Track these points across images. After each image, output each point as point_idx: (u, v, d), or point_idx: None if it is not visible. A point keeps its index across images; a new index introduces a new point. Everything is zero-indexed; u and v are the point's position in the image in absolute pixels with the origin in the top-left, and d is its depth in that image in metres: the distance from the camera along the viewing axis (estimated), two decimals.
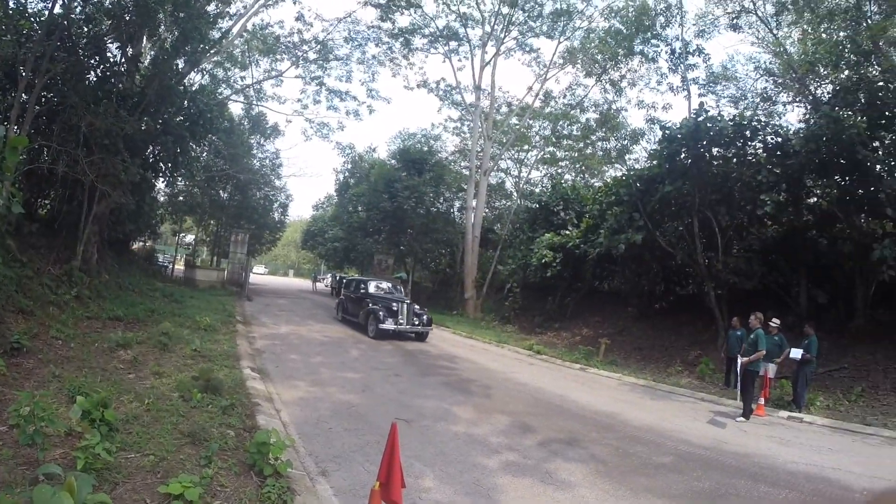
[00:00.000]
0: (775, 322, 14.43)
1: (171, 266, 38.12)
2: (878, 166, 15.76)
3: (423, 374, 14.06)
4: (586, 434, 9.58)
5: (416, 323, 20.63)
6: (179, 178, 30.67)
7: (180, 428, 6.80)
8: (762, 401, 13.11)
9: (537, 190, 41.29)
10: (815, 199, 18.33)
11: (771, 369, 13.88)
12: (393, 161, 41.73)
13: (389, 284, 24.94)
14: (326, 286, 53.23)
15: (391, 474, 4.45)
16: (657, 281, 23.77)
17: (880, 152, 15.91)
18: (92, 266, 17.09)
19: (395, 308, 20.34)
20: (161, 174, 23.70)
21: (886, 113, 15.77)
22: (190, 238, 48.40)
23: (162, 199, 34.39)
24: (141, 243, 36.39)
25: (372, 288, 23.20)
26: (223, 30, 25.03)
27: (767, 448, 9.72)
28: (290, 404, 9.54)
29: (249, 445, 6.06)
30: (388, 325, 19.54)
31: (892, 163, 15.98)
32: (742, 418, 12.04)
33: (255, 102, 37.29)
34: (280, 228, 48.64)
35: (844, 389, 14.57)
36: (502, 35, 34.29)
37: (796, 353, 13.58)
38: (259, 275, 71.37)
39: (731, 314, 18.45)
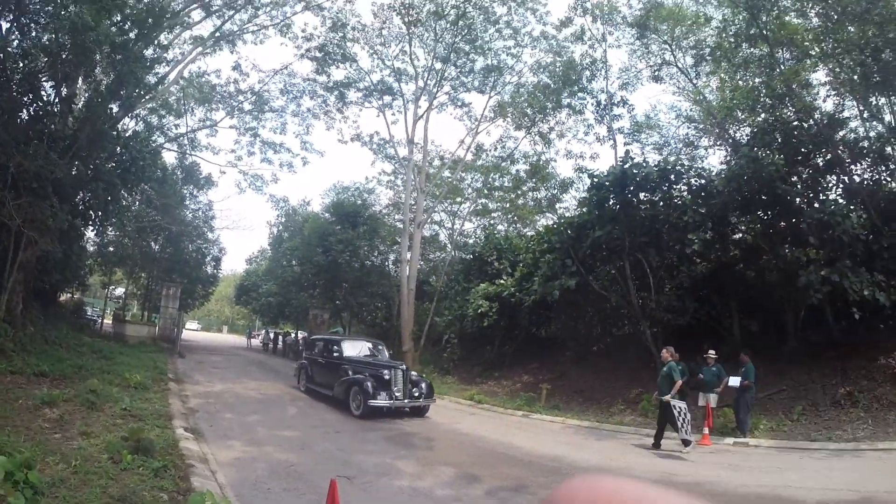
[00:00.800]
0: (712, 353, 15.01)
1: (100, 320, 36.79)
2: (798, 199, 16.83)
3: (363, 429, 13.72)
4: (533, 479, 9.52)
5: (416, 394, 16.40)
6: (110, 228, 29.41)
7: (109, 492, 6.35)
8: (706, 430, 13.36)
9: (471, 241, 41.48)
10: (741, 235, 19.33)
11: (712, 399, 14.32)
12: (327, 214, 41.33)
13: (369, 345, 20.00)
14: (260, 342, 52.16)
15: None
16: (593, 324, 24.27)
17: (798, 186, 16.97)
18: (16, 317, 16.16)
19: (386, 377, 15.85)
20: (91, 222, 22.61)
21: (802, 150, 17.02)
22: (120, 291, 46.90)
23: (91, 248, 33.02)
24: (69, 295, 35.09)
25: (348, 349, 18.57)
26: (160, 75, 24.55)
27: (717, 475, 9.93)
28: (226, 465, 9.09)
29: None
30: (381, 400, 15.22)
31: (811, 195, 17.12)
32: (687, 448, 12.17)
33: (189, 152, 36.42)
34: (213, 283, 47.27)
35: (786, 410, 15.12)
36: (435, 90, 34.65)
37: (735, 381, 13.94)
38: (192, 330, 69.27)
39: None
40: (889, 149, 17.22)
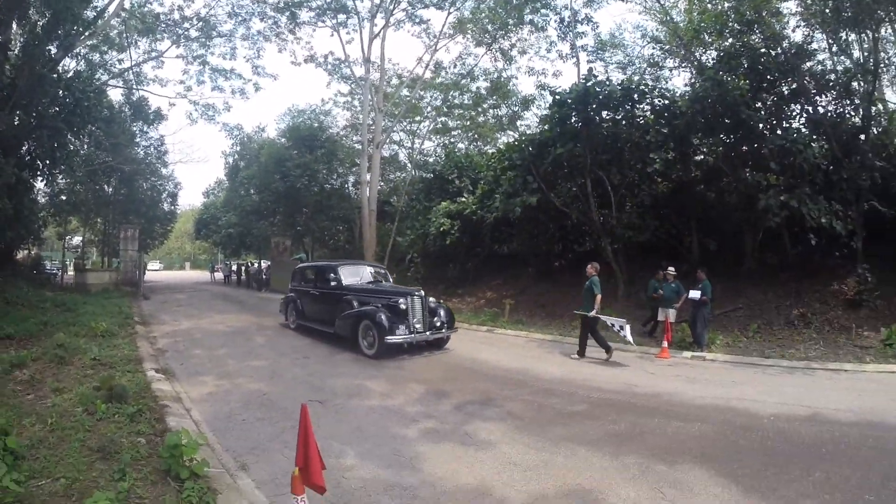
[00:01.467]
0: (671, 270, 15.57)
1: (60, 273, 36.42)
2: (761, 125, 16.92)
3: (331, 353, 13.96)
4: (500, 392, 9.90)
5: (437, 324, 14.30)
6: (59, 176, 28.71)
7: (88, 444, 6.49)
8: (665, 344, 14.00)
9: (431, 160, 41.35)
10: (702, 157, 19.69)
11: (671, 314, 14.84)
12: (283, 140, 40.74)
13: (370, 269, 17.70)
14: (222, 275, 52.08)
15: (308, 457, 4.42)
16: (554, 240, 24.63)
17: (762, 112, 17.07)
18: None
19: (402, 306, 13.68)
20: (39, 172, 21.70)
21: (768, 77, 17.11)
22: (77, 240, 46.13)
23: (43, 200, 31.83)
24: (25, 252, 34.63)
25: (348, 276, 16.22)
26: (98, 9, 23.49)
27: (675, 387, 10.35)
28: (200, 401, 9.28)
29: (162, 450, 5.91)
30: (400, 335, 13.15)
31: (774, 122, 17.39)
32: (576, 356, 13.52)
33: (135, 87, 35.20)
34: (171, 220, 46.48)
35: (741, 327, 15.88)
36: (391, 6, 33.68)
37: (695, 294, 14.50)
38: (154, 271, 68.76)
39: (629, 267, 20.19)
40: (855, 83, 17.38)
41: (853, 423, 7.85)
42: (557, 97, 19.71)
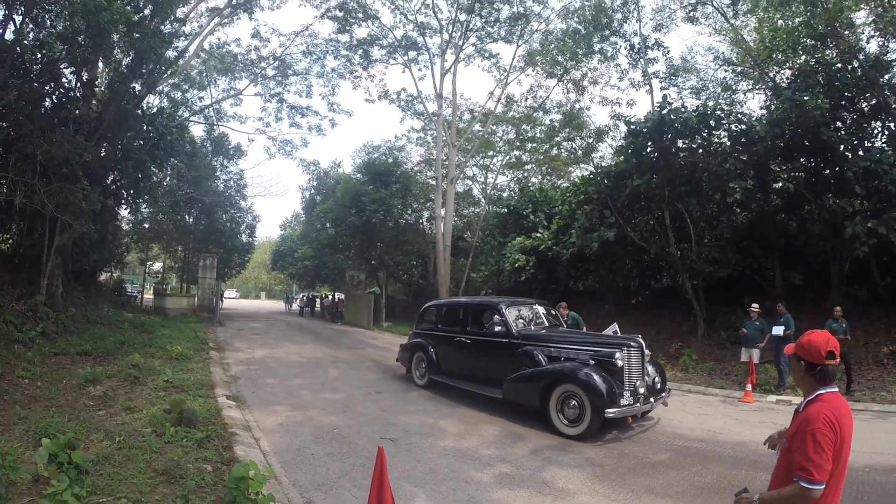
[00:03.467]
0: (755, 307, 14.65)
1: (140, 295, 37.42)
2: (842, 146, 16.14)
3: (405, 389, 13.63)
4: (579, 439, 9.29)
5: (658, 386, 10.75)
6: (143, 205, 29.94)
7: (154, 466, 6.39)
8: (749, 387, 13.14)
9: (505, 195, 41.19)
10: (782, 184, 18.81)
11: (755, 354, 14.00)
12: (358, 175, 41.19)
13: (542, 308, 13.14)
14: (298, 306, 52.76)
15: (382, 502, 4.08)
16: (632, 276, 24.03)
17: (842, 133, 16.23)
18: (57, 300, 16.54)
19: (618, 363, 9.60)
20: (123, 201, 22.95)
21: (846, 94, 16.30)
22: (158, 266, 47.53)
23: (126, 227, 33.52)
24: (108, 274, 35.68)
25: (515, 318, 12.01)
26: (179, 49, 24.53)
27: (762, 434, 9.43)
28: (270, 431, 9.12)
29: (228, 480, 5.67)
30: (624, 404, 9.32)
31: (855, 142, 16.43)
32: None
33: (215, 123, 36.73)
34: (249, 250, 47.90)
35: None
36: (461, 42, 34.13)
37: (778, 330, 13.79)
38: (231, 299, 70.59)
39: (709, 303, 19.06)
40: None
41: None
42: (632, 127, 19.15)
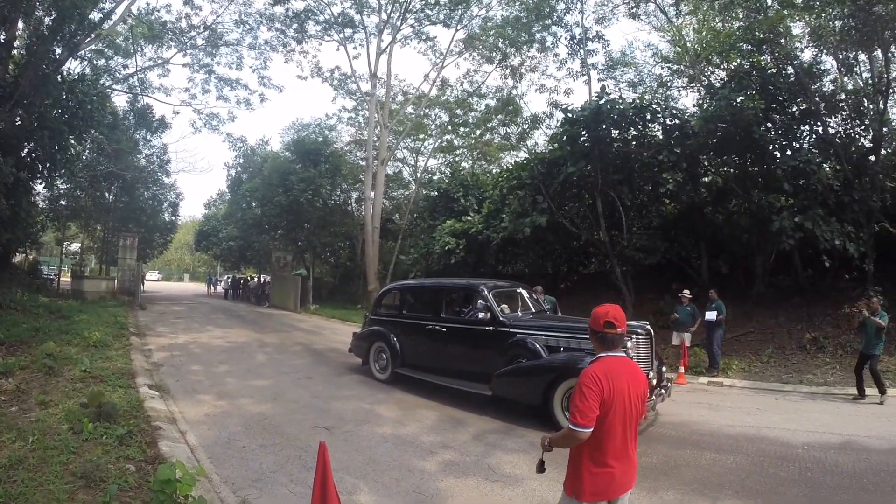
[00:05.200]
0: (686, 293, 15.19)
1: (57, 278, 35.80)
2: (772, 146, 17.03)
3: (336, 374, 13.24)
4: (518, 421, 9.16)
5: (664, 381, 9.60)
6: (59, 179, 28.15)
7: (72, 468, 5.80)
8: (682, 369, 13.48)
9: (436, 178, 41.00)
10: (711, 177, 19.87)
11: (686, 338, 14.46)
12: (287, 153, 40.20)
13: (524, 291, 12.15)
14: (223, 289, 51.21)
15: (326, 501, 3.81)
16: (561, 262, 24.42)
17: (772, 133, 16.98)
18: None
19: (629, 353, 8.01)
20: (38, 175, 21.23)
21: (779, 97, 17.07)
22: (76, 246, 45.56)
23: (42, 204, 31.41)
24: (22, 255, 34.01)
25: (500, 303, 10.83)
26: (105, 10, 23.17)
27: (700, 415, 9.90)
28: (197, 423, 8.56)
29: (153, 484, 5.18)
30: None
31: (784, 143, 17.33)
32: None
33: (140, 93, 34.92)
34: (171, 229, 45.88)
35: (753, 352, 15.57)
36: (398, 23, 33.61)
37: (711, 315, 14.25)
38: (153, 281, 68.28)
39: (637, 289, 19.68)
40: (866, 103, 17.26)
41: (889, 451, 7.63)
42: (569, 115, 19.26)
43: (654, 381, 8.94)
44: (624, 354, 3.69)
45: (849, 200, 15.97)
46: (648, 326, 9.24)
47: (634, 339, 8.87)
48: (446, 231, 25.82)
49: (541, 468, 3.90)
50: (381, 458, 7.23)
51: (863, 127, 17.51)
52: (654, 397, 8.64)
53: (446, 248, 25.16)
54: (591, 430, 3.39)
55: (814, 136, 17.81)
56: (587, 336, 8.78)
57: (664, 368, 10.19)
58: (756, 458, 7.31)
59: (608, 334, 3.58)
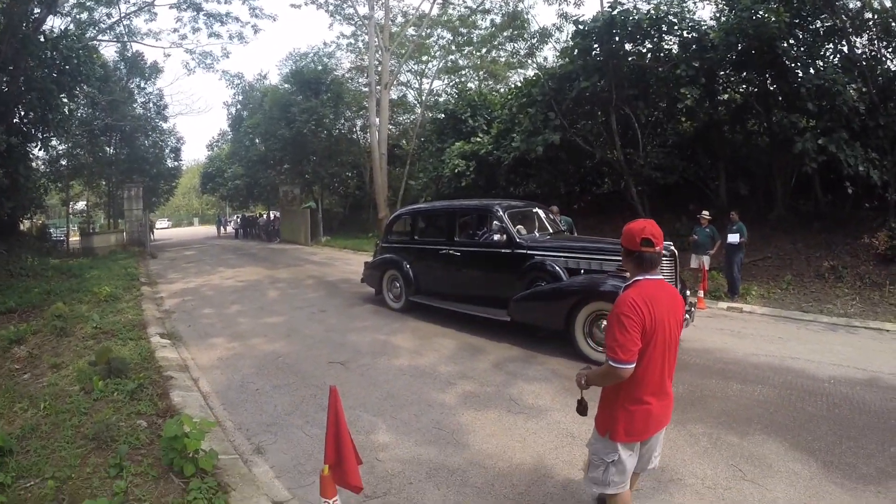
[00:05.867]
0: (706, 214, 14.46)
1: (66, 239, 35.72)
2: (795, 64, 15.97)
3: (350, 305, 13.06)
4: (539, 348, 8.93)
5: (688, 305, 8.68)
6: (55, 140, 27.77)
7: (83, 430, 5.65)
8: (701, 293, 13.01)
9: (442, 100, 39.70)
10: (728, 94, 18.85)
11: (706, 261, 13.91)
12: (286, 85, 39.30)
13: (541, 211, 11.54)
14: (233, 229, 51.20)
15: (341, 454, 3.52)
16: (573, 182, 23.67)
17: (794, 50, 15.97)
18: None
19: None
20: (32, 139, 21.00)
21: (801, 13, 15.86)
22: (81, 205, 45.37)
23: (42, 167, 31.13)
24: (31, 221, 33.91)
25: (516, 225, 10.30)
26: None
27: (723, 342, 9.53)
28: (209, 369, 8.39)
29: (161, 441, 5.01)
30: None
31: (808, 61, 16.08)
32: None
33: (128, 41, 34.00)
34: (176, 175, 45.21)
35: (771, 278, 15.10)
36: None
37: (733, 238, 13.66)
38: (163, 229, 68.40)
39: (654, 209, 19.03)
40: (893, 24, 16.07)
41: None
42: (580, 27, 18.24)
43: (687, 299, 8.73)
44: (661, 277, 3.36)
45: (874, 125, 15.08)
46: (673, 247, 8.63)
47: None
48: (456, 153, 25.21)
49: (583, 410, 3.65)
50: (399, 392, 7.07)
51: (890, 49, 16.48)
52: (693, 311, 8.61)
53: (456, 170, 24.62)
54: (634, 365, 3.10)
55: (838, 55, 16.64)
56: (610, 257, 8.68)
57: (687, 292, 10.05)
58: (783, 391, 7.07)
59: (646, 253, 3.25)
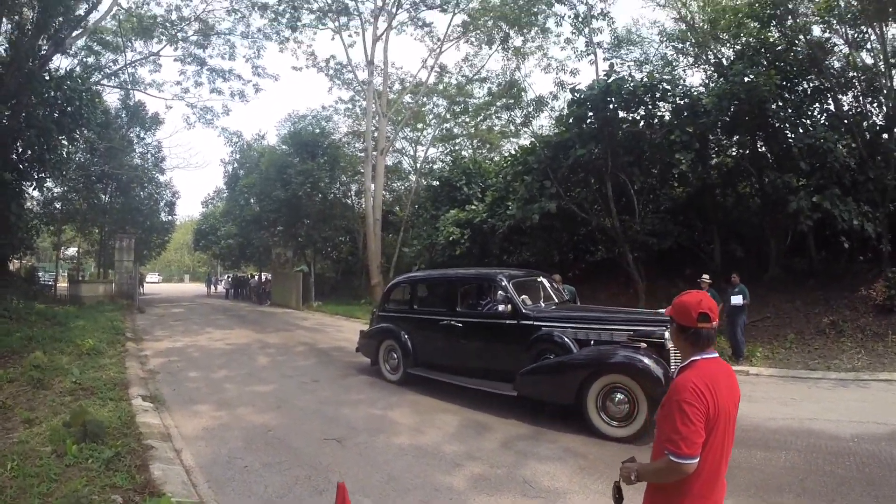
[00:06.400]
0: (706, 278, 14.27)
1: (54, 284, 35.18)
2: (784, 124, 16.83)
3: (344, 376, 12.46)
4: (548, 424, 8.38)
5: None
6: (50, 181, 27.38)
7: (52, 500, 5.10)
8: None
9: (437, 167, 40.38)
10: (720, 158, 19.60)
11: None
12: (284, 146, 39.43)
13: (545, 280, 11.24)
14: (223, 289, 51.04)
15: None
16: (567, 250, 23.59)
17: (783, 112, 16.74)
18: None
19: (668, 344, 7.90)
20: (28, 177, 20.66)
21: (789, 75, 16.80)
22: (73, 251, 44.92)
23: (36, 208, 30.66)
24: (18, 262, 33.40)
25: (520, 294, 9.88)
26: (91, 2, 22.27)
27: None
28: (193, 439, 7.77)
29: None
30: None
31: (796, 121, 16.95)
32: None
33: (131, 88, 34.25)
34: (169, 229, 45.26)
35: (773, 337, 15.19)
36: (394, 9, 32.93)
37: (737, 300, 13.72)
38: (153, 283, 68.18)
39: (649, 275, 19.16)
40: (877, 80, 17.04)
41: None
42: (577, 95, 18.58)
43: None
44: (717, 355, 2.92)
45: (864, 179, 15.76)
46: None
47: (669, 329, 7.51)
48: (450, 221, 25.05)
49: (618, 498, 3.07)
50: (401, 474, 6.48)
51: (876, 104, 17.33)
52: None
53: (451, 238, 24.37)
54: (698, 460, 2.68)
55: (825, 113, 17.42)
56: (620, 327, 8.30)
57: None
58: (808, 455, 6.82)
59: (703, 329, 2.80)
